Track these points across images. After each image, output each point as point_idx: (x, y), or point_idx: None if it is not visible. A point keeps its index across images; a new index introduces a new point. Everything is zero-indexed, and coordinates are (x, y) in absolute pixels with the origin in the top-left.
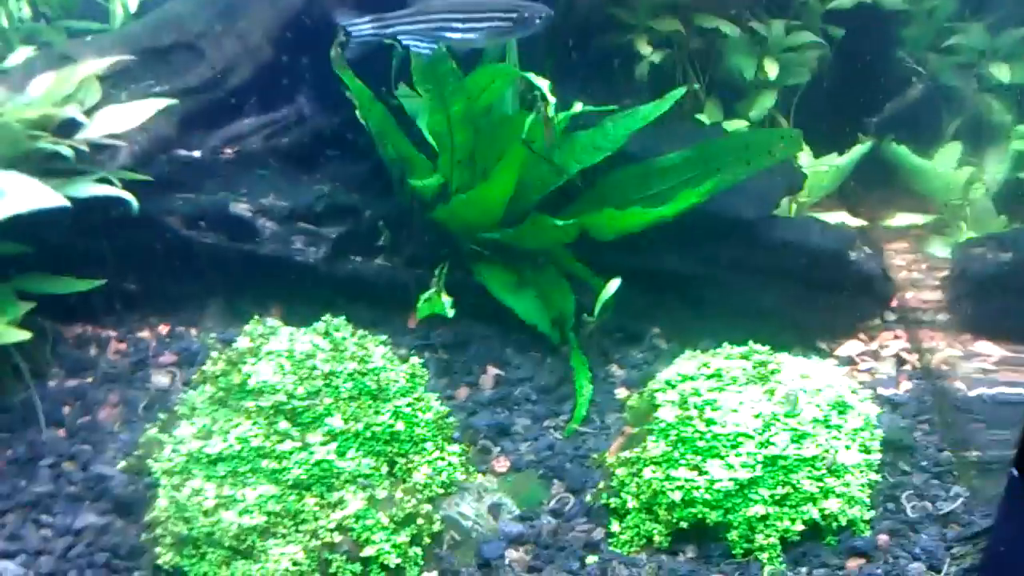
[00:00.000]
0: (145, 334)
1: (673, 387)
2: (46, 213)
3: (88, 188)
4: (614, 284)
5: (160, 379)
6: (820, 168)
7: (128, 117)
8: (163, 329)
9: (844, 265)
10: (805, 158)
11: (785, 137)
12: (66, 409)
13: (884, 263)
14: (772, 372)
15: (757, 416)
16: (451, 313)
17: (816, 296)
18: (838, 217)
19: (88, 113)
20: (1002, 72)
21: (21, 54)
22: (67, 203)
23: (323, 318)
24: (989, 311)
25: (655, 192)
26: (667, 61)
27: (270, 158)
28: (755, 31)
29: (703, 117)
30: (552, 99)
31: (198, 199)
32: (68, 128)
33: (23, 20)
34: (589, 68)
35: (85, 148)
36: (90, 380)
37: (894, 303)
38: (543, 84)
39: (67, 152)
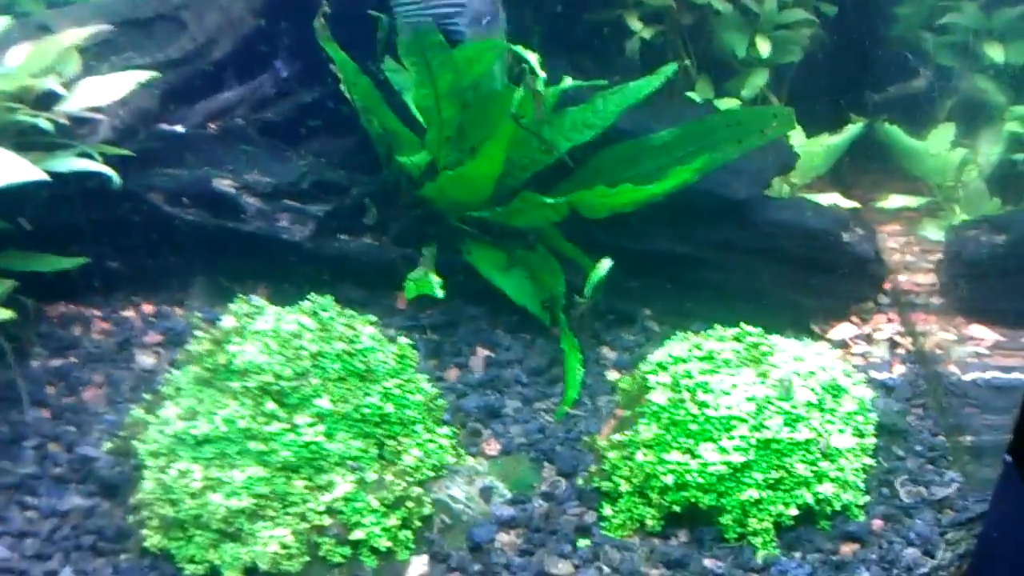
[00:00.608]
0: (129, 313)
1: (665, 369)
2: (25, 188)
3: (68, 162)
4: (605, 264)
5: (145, 359)
6: (813, 148)
7: (109, 90)
8: (147, 308)
9: (837, 247)
10: (797, 138)
11: (778, 115)
12: (50, 389)
13: (877, 245)
14: (765, 355)
15: (750, 399)
16: (440, 294)
17: (809, 278)
18: (831, 198)
19: (68, 85)
20: (996, 52)
21: None
22: (46, 177)
23: (310, 297)
24: (983, 294)
25: (646, 170)
26: (658, 37)
27: (254, 133)
28: (747, 8)
29: (694, 95)
30: (542, 73)
31: (180, 175)
32: (47, 100)
33: None
34: (579, 43)
35: (65, 121)
36: (74, 360)
37: (887, 286)
38: (532, 58)
39: (46, 125)
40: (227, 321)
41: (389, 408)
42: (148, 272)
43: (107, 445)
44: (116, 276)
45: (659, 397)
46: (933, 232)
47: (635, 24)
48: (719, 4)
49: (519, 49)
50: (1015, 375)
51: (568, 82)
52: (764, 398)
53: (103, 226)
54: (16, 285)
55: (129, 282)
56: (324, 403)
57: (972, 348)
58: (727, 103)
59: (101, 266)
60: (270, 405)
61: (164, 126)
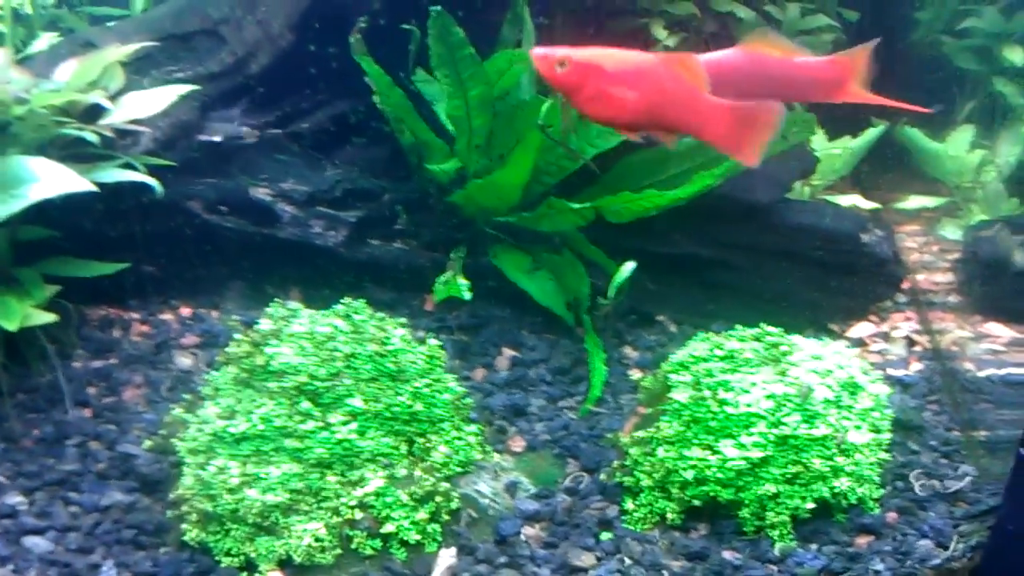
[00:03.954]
0: (167, 316)
1: (686, 368)
2: (71, 197)
3: (113, 173)
4: (628, 267)
5: (183, 360)
6: (833, 151)
7: (151, 103)
8: (185, 311)
9: (856, 248)
10: (819, 141)
11: (799, 122)
12: (91, 390)
13: (896, 246)
14: (784, 354)
15: (769, 397)
16: (468, 296)
17: (828, 279)
18: (851, 199)
19: (112, 99)
20: (1016, 55)
21: (44, 40)
22: (95, 188)
23: (343, 301)
24: (999, 293)
25: (670, 175)
26: (682, 45)
27: (290, 143)
28: (770, 14)
29: None
30: None
31: (219, 184)
32: (92, 114)
33: (46, 7)
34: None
35: (110, 134)
36: (114, 361)
37: (906, 285)
38: None
39: (92, 138)
40: (264, 324)
41: (419, 407)
42: (185, 276)
43: (147, 443)
44: (154, 280)
45: (680, 395)
46: (951, 232)
47: (660, 32)
48: (742, 11)
49: None
50: None
51: None
52: (783, 395)
53: (144, 233)
54: (59, 290)
55: (167, 286)
56: (357, 402)
57: (988, 345)
58: None
59: (140, 271)
60: (305, 404)
61: (203, 137)
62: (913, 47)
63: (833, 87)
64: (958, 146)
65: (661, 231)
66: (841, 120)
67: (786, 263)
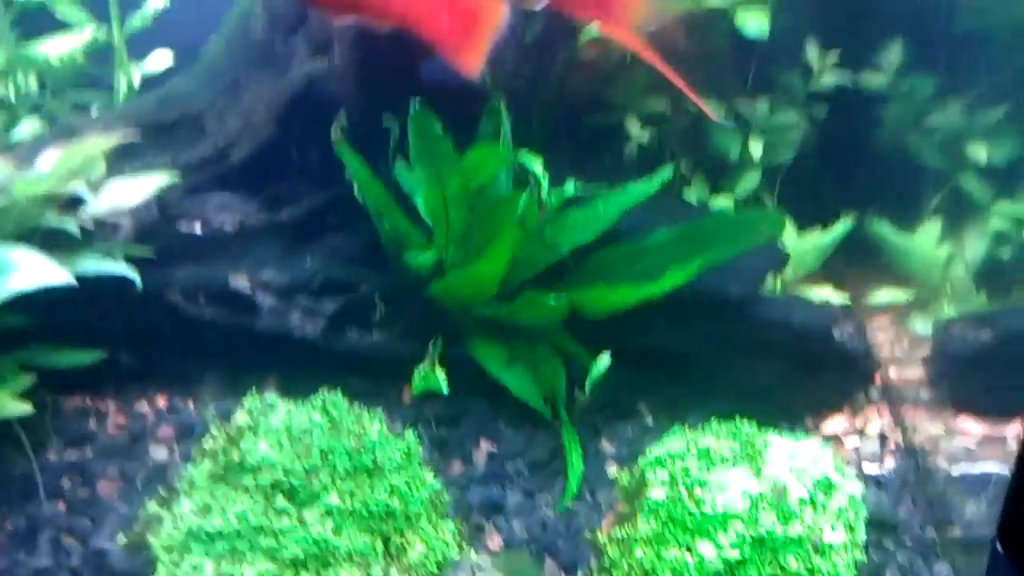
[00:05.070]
0: (143, 407)
1: (663, 465)
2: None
3: (94, 264)
4: (604, 360)
5: (158, 453)
6: (804, 245)
7: (132, 192)
8: (161, 402)
9: (828, 343)
10: (789, 233)
11: (771, 219)
12: (65, 482)
13: (868, 340)
14: (759, 451)
15: (745, 495)
16: (446, 390)
17: (801, 373)
18: (822, 292)
19: (93, 187)
20: (979, 152)
21: (27, 127)
22: (74, 281)
23: (320, 393)
24: (970, 389)
25: (644, 269)
26: (655, 139)
27: (269, 232)
28: (739, 112)
29: (690, 194)
30: (545, 181)
31: (198, 273)
32: (73, 202)
33: (29, 93)
34: (579, 145)
35: (90, 225)
36: (89, 453)
37: (878, 380)
38: (537, 166)
39: (73, 229)
40: (241, 418)
41: (395, 503)
42: (162, 366)
43: (121, 539)
44: (130, 370)
45: (658, 493)
46: (921, 326)
47: (633, 127)
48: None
49: (524, 156)
50: (1000, 468)
51: (571, 188)
52: (758, 494)
53: (118, 321)
54: (36, 379)
55: (142, 375)
56: (333, 499)
57: (960, 441)
58: (721, 201)
59: (116, 360)
60: (281, 501)
61: (183, 225)
62: (880, 144)
63: (599, 9)
64: (926, 241)
65: (635, 323)
66: (811, 213)
67: (760, 357)
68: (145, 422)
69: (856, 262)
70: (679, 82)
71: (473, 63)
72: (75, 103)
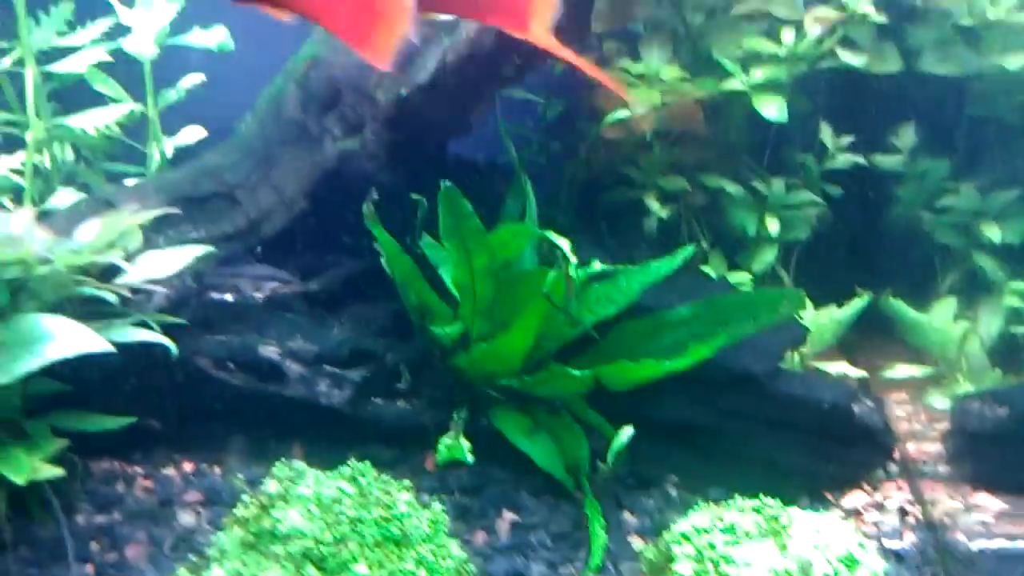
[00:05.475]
0: (171, 471)
1: (689, 540)
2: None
3: (129, 332)
4: (627, 432)
5: (186, 517)
6: (821, 320)
7: (167, 263)
8: (188, 467)
9: (848, 418)
10: (807, 310)
11: (791, 296)
12: (95, 545)
13: (886, 416)
14: (784, 527)
15: (771, 572)
16: (471, 460)
17: (821, 448)
18: (839, 367)
19: (129, 258)
20: (993, 232)
21: (63, 196)
22: (112, 348)
23: (349, 462)
24: (987, 465)
25: (665, 343)
26: (674, 216)
27: (298, 302)
28: (756, 189)
29: (708, 269)
30: (573, 259)
31: (228, 341)
32: (110, 272)
33: (64, 162)
34: (601, 222)
35: (127, 293)
36: (118, 517)
37: (896, 454)
38: (564, 244)
39: (111, 298)
40: (271, 486)
41: (422, 573)
42: (189, 432)
43: None
44: (158, 435)
45: (684, 568)
46: (939, 401)
47: (653, 204)
48: (730, 187)
49: (551, 234)
50: (1020, 543)
51: (597, 266)
52: (784, 570)
53: (147, 386)
54: (67, 444)
55: (170, 440)
56: (361, 568)
57: (978, 516)
58: (739, 276)
59: (144, 425)
60: (311, 570)
61: (215, 295)
62: (894, 222)
63: (509, 15)
64: (942, 317)
65: (657, 397)
66: (827, 289)
67: (780, 432)
68: (172, 486)
69: (869, 338)
70: (597, 74)
71: (382, 58)
72: (109, 173)
